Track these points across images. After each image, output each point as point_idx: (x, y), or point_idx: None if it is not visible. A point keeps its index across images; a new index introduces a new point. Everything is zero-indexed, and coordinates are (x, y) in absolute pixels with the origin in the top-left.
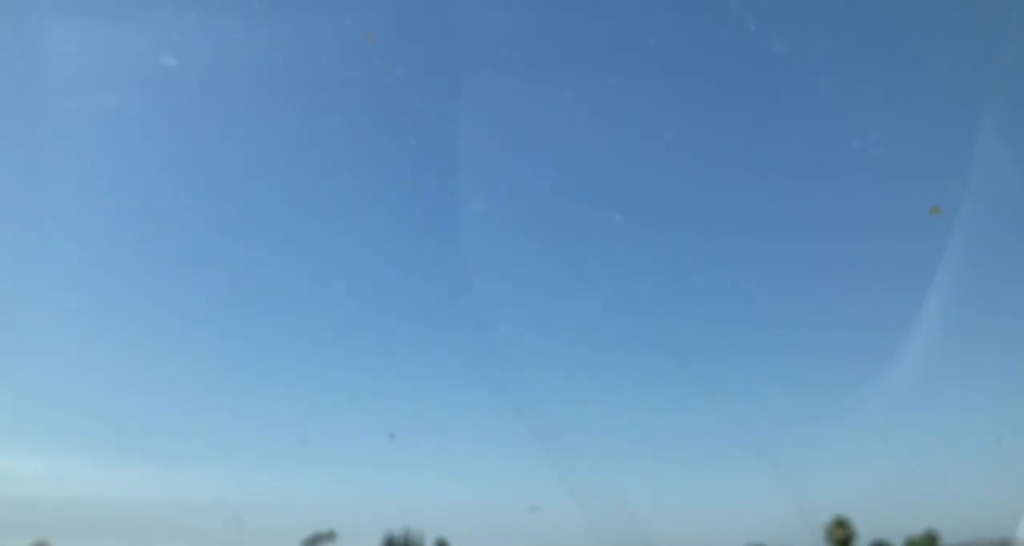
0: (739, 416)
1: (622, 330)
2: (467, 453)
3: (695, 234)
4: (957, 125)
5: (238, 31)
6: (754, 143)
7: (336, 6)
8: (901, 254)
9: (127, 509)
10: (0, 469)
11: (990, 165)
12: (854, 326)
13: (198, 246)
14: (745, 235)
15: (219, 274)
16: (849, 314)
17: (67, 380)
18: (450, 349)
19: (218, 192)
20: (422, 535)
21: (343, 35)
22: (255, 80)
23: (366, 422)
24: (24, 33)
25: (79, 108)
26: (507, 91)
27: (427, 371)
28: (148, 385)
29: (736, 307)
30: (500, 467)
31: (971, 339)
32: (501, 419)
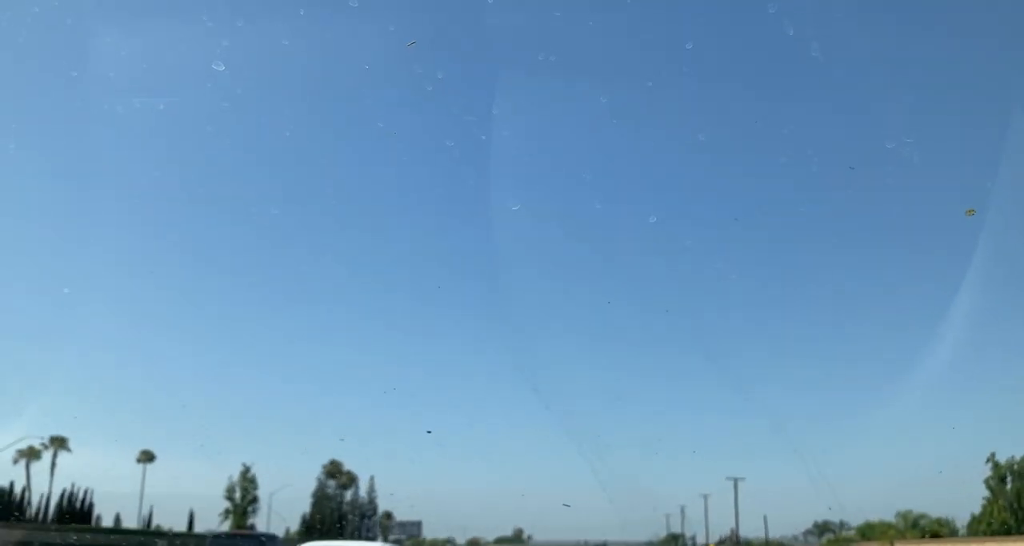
0: (771, 412)
1: (655, 330)
2: (502, 447)
3: (729, 233)
4: (987, 127)
5: (286, 37)
6: (789, 145)
7: (380, 15)
8: (933, 252)
9: (173, 502)
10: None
11: (1020, 165)
12: (884, 324)
13: (241, 246)
14: (780, 235)
15: (259, 275)
16: (878, 312)
17: (118, 380)
18: (485, 347)
19: (264, 193)
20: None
21: (387, 42)
22: (300, 84)
23: (405, 416)
24: (76, 40)
25: (128, 112)
26: (542, 95)
27: (464, 369)
28: (195, 384)
29: (768, 305)
30: (534, 461)
31: (1000, 337)
32: (535, 415)
